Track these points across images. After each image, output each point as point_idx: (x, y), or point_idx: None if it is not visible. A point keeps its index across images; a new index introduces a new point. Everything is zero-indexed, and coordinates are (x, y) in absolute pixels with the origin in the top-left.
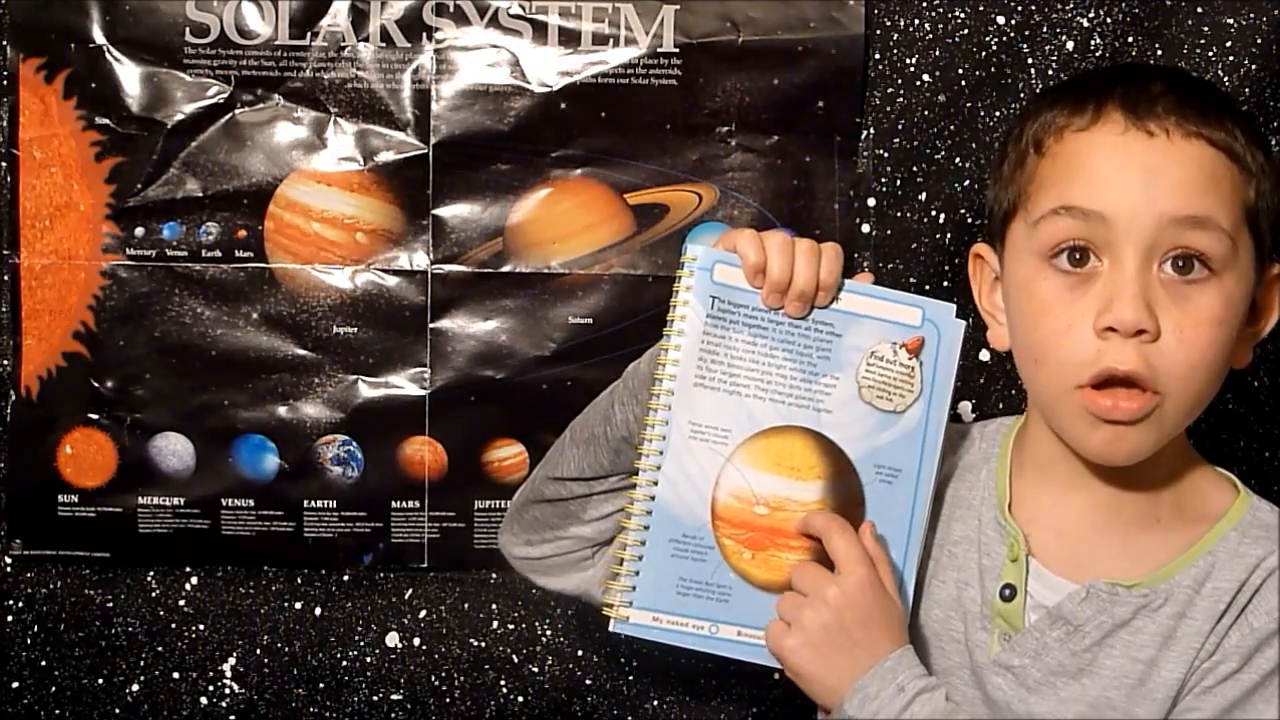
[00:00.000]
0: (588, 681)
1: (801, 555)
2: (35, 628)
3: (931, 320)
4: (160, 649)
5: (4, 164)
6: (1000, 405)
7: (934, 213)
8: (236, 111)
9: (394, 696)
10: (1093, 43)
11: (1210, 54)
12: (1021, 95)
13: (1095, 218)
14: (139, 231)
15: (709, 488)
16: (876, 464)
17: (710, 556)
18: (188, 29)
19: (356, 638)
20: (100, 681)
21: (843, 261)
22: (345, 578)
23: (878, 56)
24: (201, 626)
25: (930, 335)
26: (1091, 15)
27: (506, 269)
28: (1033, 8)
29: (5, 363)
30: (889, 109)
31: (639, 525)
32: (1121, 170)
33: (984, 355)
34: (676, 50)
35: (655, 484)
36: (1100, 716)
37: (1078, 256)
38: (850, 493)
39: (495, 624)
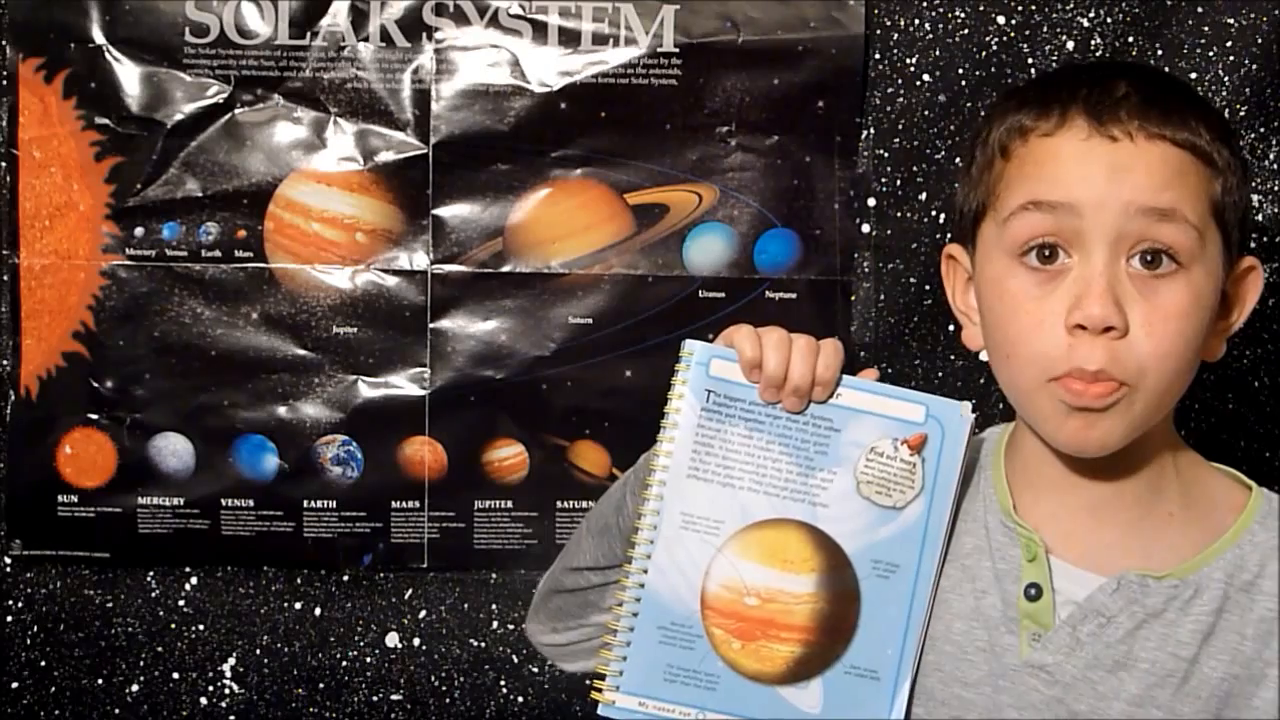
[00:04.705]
0: (588, 682)
1: (793, 647)
2: (35, 628)
3: (935, 417)
4: (160, 649)
5: (4, 164)
6: (1000, 405)
7: (934, 213)
8: (236, 111)
9: (394, 696)
10: (1093, 43)
11: (1210, 54)
12: None
13: (1063, 210)
14: (139, 231)
15: (699, 577)
16: (874, 559)
17: (698, 645)
18: (187, 29)
19: (356, 638)
20: (100, 681)
21: (842, 358)
22: (345, 578)
23: (878, 56)
24: (201, 626)
25: (934, 432)
26: (1091, 15)
27: (506, 269)
28: (1033, 8)
29: (5, 363)
30: (889, 109)
31: (628, 612)
32: (1086, 167)
33: (984, 355)
34: (676, 50)
35: (645, 571)
36: (1146, 715)
37: (1047, 253)
38: (845, 587)
39: (495, 624)
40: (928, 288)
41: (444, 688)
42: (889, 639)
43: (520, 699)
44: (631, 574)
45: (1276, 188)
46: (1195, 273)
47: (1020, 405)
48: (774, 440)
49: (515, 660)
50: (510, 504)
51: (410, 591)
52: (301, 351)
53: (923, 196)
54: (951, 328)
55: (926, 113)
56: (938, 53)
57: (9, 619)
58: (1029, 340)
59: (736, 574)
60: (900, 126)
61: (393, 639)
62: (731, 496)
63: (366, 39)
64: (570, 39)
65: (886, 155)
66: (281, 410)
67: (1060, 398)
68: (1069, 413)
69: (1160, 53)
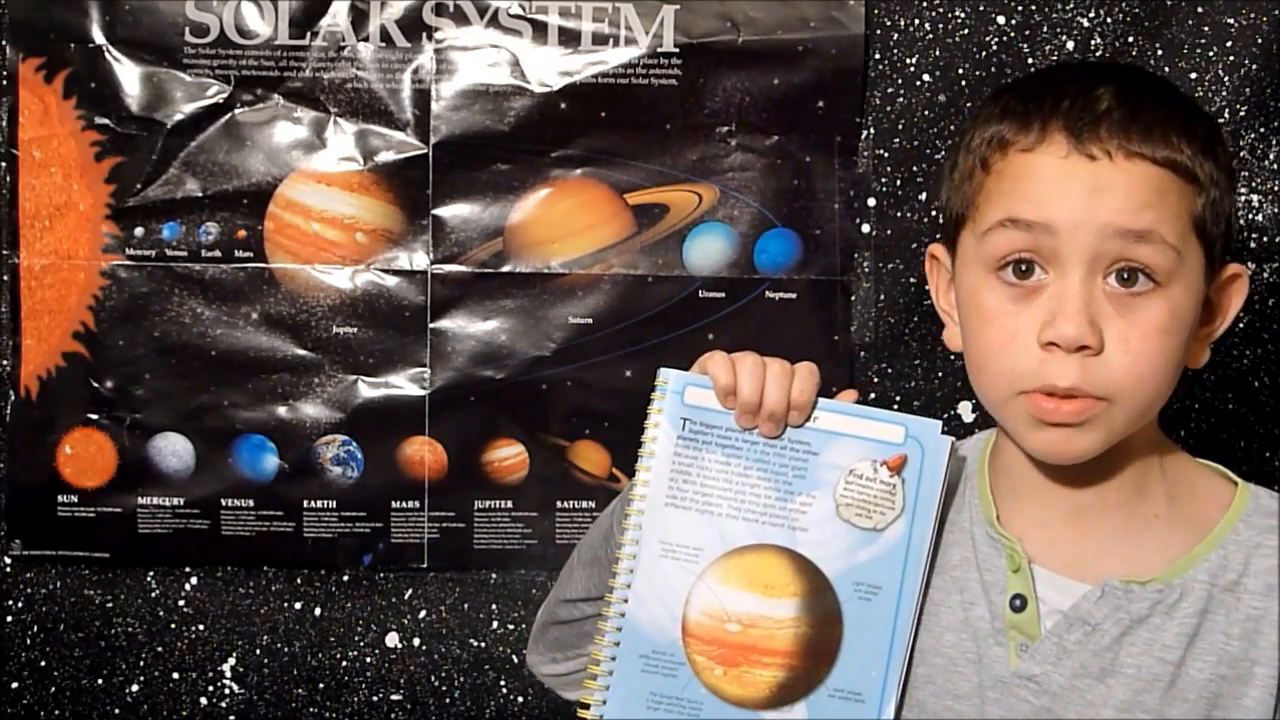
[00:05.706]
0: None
1: (776, 672)
2: (35, 628)
3: (915, 437)
4: (160, 649)
5: (4, 164)
6: None
7: (934, 213)
8: (236, 111)
9: (394, 696)
10: (1093, 43)
11: (1210, 54)
12: None
13: (1040, 228)
14: (139, 231)
15: (680, 605)
16: (855, 581)
17: (681, 672)
18: (187, 29)
19: (356, 638)
20: (100, 681)
21: (817, 381)
22: (345, 578)
23: (878, 56)
24: (201, 626)
25: (913, 452)
26: (1091, 15)
27: (506, 269)
28: (1033, 8)
29: (5, 363)
30: (889, 109)
31: (610, 641)
32: (1065, 186)
33: None
34: (676, 50)
35: (625, 601)
36: (1132, 718)
37: (1024, 268)
38: (827, 610)
39: (495, 624)
40: (927, 288)
41: (444, 688)
42: (872, 661)
43: (520, 699)
44: (612, 603)
45: (1276, 188)
46: (1173, 290)
47: (995, 414)
48: (752, 466)
49: (515, 660)
50: (510, 504)
51: (410, 591)
52: (301, 351)
53: (923, 196)
54: None
55: (926, 113)
56: (938, 53)
57: (9, 619)
58: (1000, 355)
59: (717, 601)
60: (900, 126)
61: (393, 639)
62: (710, 523)
63: (366, 39)
64: (570, 39)
65: (886, 155)
66: (281, 410)
67: (1031, 412)
68: (1041, 425)
69: (1160, 53)
